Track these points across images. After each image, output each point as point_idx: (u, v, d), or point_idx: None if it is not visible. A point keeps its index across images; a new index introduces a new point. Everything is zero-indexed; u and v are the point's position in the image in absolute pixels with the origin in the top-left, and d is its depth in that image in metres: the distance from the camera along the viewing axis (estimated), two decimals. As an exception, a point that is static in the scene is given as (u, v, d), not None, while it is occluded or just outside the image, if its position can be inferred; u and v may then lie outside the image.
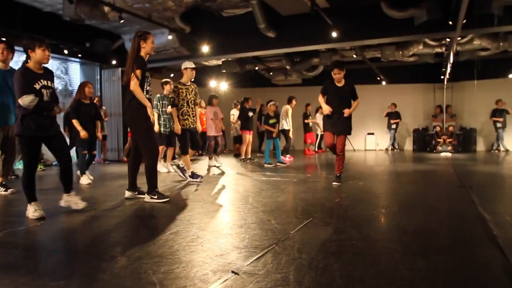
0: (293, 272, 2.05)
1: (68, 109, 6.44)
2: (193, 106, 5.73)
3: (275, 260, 2.22)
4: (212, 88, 13.54)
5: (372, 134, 14.32)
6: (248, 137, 8.83)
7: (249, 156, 9.21)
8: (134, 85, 3.95)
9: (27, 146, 3.40)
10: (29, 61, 3.42)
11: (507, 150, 12.01)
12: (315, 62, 11.06)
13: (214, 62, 11.33)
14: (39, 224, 3.15)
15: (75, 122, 5.48)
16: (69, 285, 1.93)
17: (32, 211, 3.37)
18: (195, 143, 5.88)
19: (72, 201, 3.69)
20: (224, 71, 11.74)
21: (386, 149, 13.49)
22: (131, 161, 4.42)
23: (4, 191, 4.71)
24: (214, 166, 7.61)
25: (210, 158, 8.00)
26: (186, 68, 5.68)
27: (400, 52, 9.90)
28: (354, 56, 10.25)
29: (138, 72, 3.95)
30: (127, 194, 4.37)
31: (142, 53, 4.07)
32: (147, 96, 4.13)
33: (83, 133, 5.44)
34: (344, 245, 2.55)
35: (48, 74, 3.57)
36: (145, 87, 4.13)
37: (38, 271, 2.17)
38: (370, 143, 14.36)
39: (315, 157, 10.72)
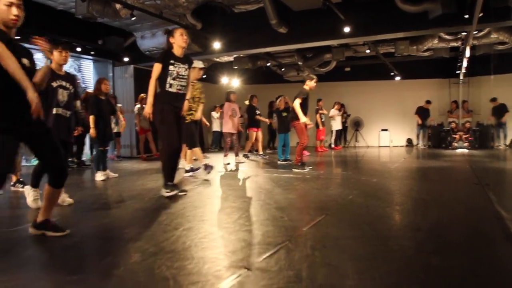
0: (306, 269, 2.04)
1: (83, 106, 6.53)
2: (198, 102, 5.84)
3: (287, 257, 2.21)
4: (224, 85, 13.55)
5: (386, 130, 14.14)
6: (255, 134, 8.85)
7: (261, 152, 9.25)
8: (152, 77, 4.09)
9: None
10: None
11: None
12: (328, 57, 10.95)
13: (225, 58, 11.32)
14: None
15: (91, 118, 5.55)
16: (83, 280, 1.96)
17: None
18: (193, 138, 5.84)
19: (30, 194, 3.79)
20: (235, 67, 11.73)
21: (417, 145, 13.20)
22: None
23: (22, 187, 4.80)
24: (239, 162, 7.78)
25: (225, 156, 8.00)
26: (194, 67, 5.71)
27: (415, 47, 9.71)
28: (367, 51, 10.12)
29: (155, 65, 4.09)
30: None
31: (174, 48, 4.18)
32: (172, 90, 4.11)
33: (92, 131, 5.52)
34: (357, 242, 2.52)
35: (70, 77, 3.91)
36: (168, 80, 4.10)
37: (52, 266, 2.20)
38: (384, 139, 14.19)
39: (328, 154, 10.64)
